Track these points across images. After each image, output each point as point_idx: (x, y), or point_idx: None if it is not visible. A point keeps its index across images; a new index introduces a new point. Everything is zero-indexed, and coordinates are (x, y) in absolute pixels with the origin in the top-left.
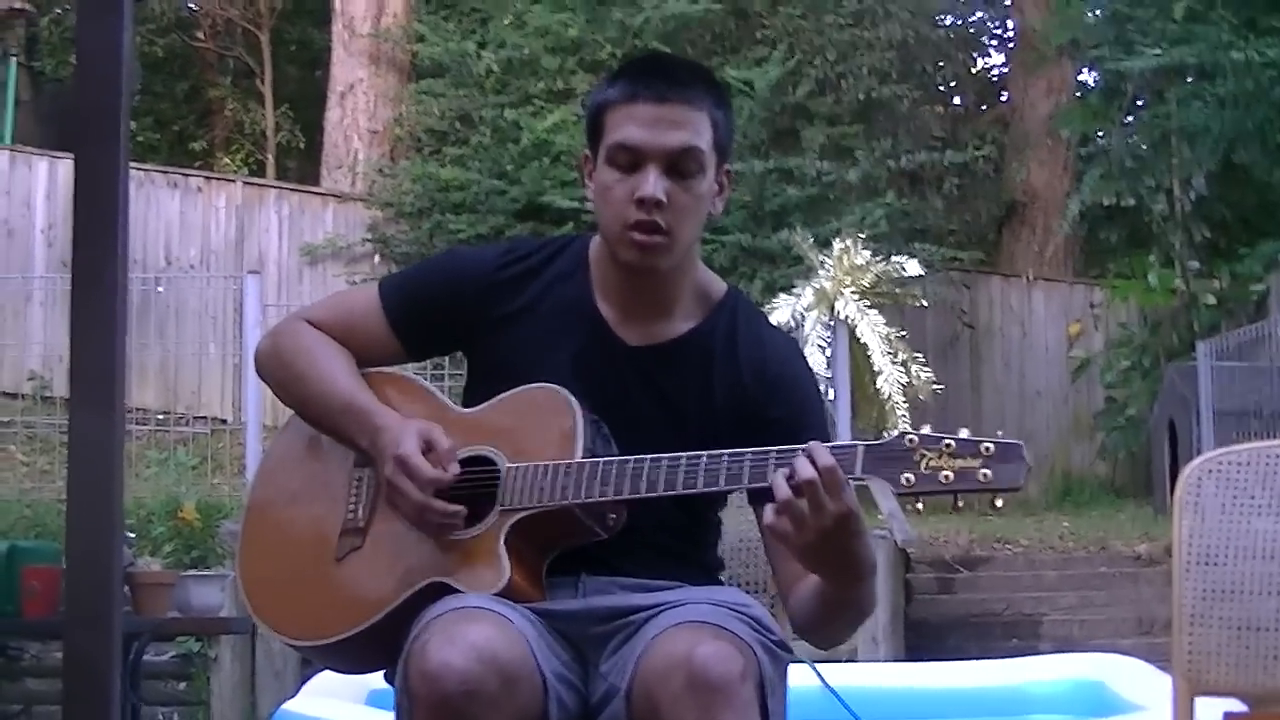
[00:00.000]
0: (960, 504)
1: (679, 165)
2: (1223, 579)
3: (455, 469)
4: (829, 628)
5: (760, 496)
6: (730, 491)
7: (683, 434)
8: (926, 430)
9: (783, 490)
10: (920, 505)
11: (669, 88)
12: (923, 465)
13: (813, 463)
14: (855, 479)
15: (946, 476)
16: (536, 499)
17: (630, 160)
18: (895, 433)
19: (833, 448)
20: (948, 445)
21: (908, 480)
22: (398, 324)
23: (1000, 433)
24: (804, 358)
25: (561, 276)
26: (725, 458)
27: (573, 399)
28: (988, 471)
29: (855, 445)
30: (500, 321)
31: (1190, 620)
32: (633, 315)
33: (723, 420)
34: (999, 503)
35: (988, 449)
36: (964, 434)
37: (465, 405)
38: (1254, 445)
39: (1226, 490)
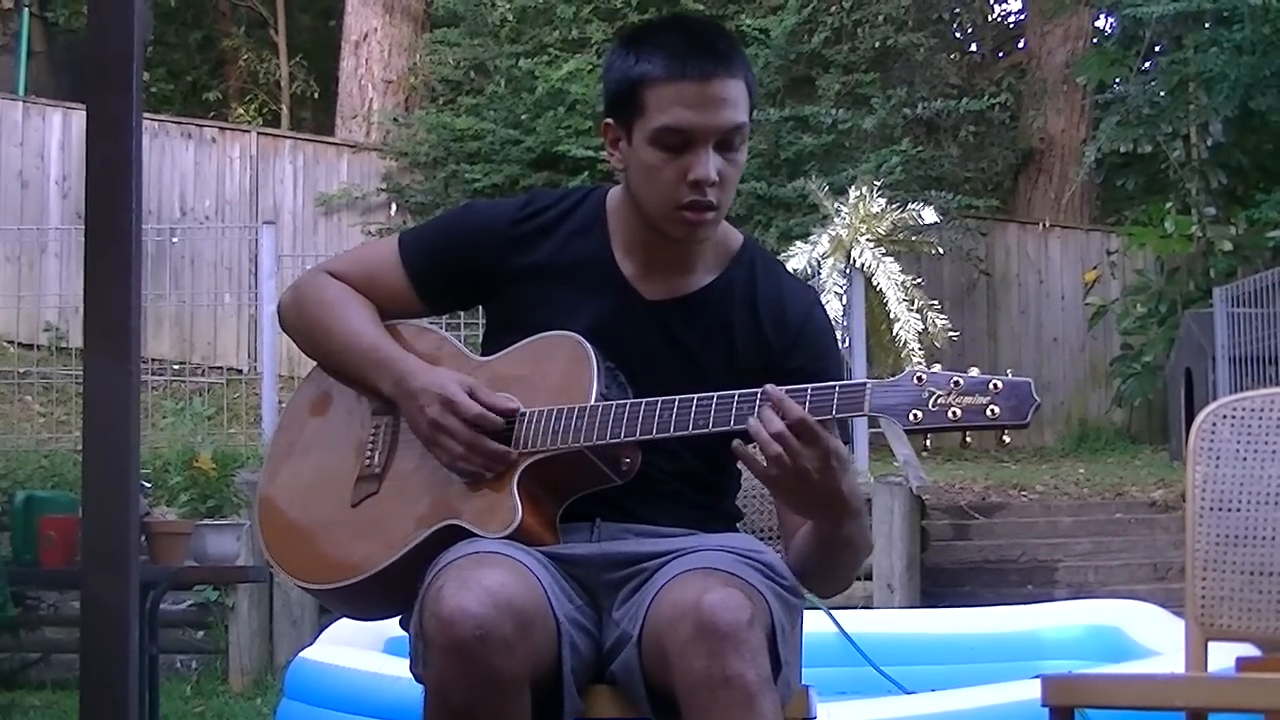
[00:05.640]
0: (969, 440)
1: (726, 140)
2: (1236, 525)
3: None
4: (827, 571)
5: None
6: (742, 431)
7: (704, 387)
8: (936, 369)
9: (761, 435)
10: (929, 443)
11: (713, 64)
12: (931, 402)
13: (782, 415)
14: (863, 415)
15: (954, 413)
16: (550, 442)
17: (680, 142)
18: (905, 371)
19: (842, 385)
20: (956, 383)
21: (915, 417)
22: (416, 277)
23: (1010, 372)
24: (822, 306)
25: (579, 230)
26: (736, 397)
27: (588, 345)
28: (995, 408)
29: (864, 383)
30: (518, 275)
31: (1204, 566)
32: (653, 270)
33: (744, 372)
34: (1007, 438)
35: (995, 386)
36: (973, 372)
37: (483, 356)
38: (1269, 391)
39: (1241, 436)
